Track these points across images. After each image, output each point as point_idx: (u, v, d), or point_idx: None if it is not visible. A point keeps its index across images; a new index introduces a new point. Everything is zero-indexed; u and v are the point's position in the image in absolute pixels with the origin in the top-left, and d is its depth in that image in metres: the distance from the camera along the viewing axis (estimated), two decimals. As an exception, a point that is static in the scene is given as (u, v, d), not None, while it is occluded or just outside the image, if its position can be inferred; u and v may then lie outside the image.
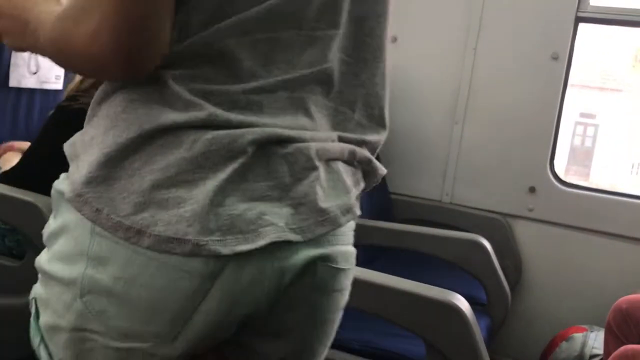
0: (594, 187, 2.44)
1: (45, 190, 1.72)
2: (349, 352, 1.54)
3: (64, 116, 1.82)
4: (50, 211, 1.71)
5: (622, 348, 1.51)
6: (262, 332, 0.76)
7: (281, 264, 0.69)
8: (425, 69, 2.49)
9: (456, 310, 1.40)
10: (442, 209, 2.54)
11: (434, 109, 2.51)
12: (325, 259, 0.73)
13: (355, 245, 1.76)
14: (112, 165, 0.67)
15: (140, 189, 0.65)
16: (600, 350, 1.97)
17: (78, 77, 1.89)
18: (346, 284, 0.80)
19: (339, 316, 0.82)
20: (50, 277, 0.73)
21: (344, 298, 0.81)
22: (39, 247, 1.66)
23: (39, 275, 0.77)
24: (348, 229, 0.78)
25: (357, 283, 1.43)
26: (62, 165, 1.71)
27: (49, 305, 0.73)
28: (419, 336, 1.44)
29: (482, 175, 2.49)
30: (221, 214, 0.65)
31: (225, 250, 0.64)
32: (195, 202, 0.64)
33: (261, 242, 0.66)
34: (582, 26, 2.37)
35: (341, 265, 0.76)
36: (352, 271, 0.81)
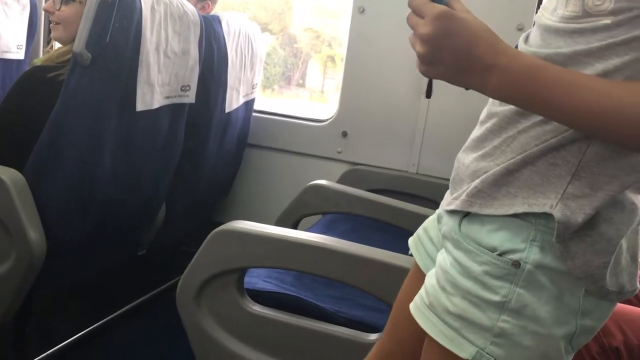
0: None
1: (9, 160, 1.71)
2: (322, 320, 1.57)
3: (30, 84, 1.80)
4: (16, 185, 1.71)
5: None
6: None
7: None
8: (393, 40, 2.50)
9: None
10: (408, 179, 2.57)
11: (401, 80, 2.53)
12: None
13: (324, 212, 1.77)
14: None
15: None
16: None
17: (58, 49, 1.87)
18: None
19: None
20: None
21: None
22: (2, 220, 1.66)
23: None
24: None
25: (326, 251, 1.48)
26: (25, 134, 1.70)
27: None
28: (384, 302, 1.48)
29: (448, 145, 2.52)
30: None
31: None
32: None
33: None
34: (547, -2, 2.40)
35: None
36: None
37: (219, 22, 2.21)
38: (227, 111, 2.32)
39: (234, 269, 1.54)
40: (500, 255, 0.80)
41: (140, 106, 1.80)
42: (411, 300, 0.92)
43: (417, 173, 2.58)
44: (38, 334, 2.03)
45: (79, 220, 1.80)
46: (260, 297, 1.61)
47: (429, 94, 0.85)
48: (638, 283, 0.84)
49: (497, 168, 0.82)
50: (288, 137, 2.69)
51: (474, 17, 0.76)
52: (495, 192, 0.82)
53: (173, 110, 1.98)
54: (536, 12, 2.38)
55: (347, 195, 2.22)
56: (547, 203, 0.78)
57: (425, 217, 2.16)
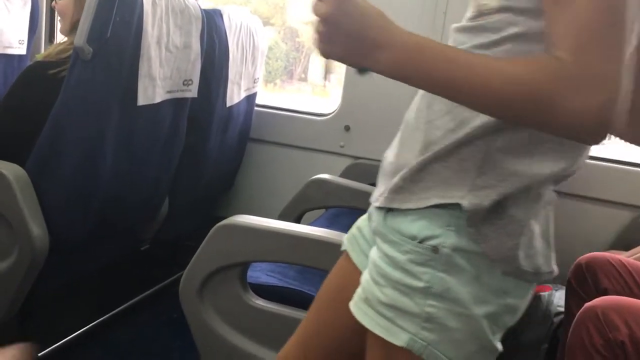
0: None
1: (11, 155, 1.71)
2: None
3: (31, 80, 1.79)
4: (18, 181, 1.71)
5: (585, 305, 1.55)
6: None
7: None
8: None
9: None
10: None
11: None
12: None
13: (327, 206, 1.78)
14: None
15: None
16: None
17: (56, 44, 1.86)
18: None
19: None
20: None
21: None
22: (5, 216, 1.66)
23: None
24: None
25: (328, 245, 1.47)
26: (27, 130, 1.69)
27: None
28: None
29: None
30: None
31: None
32: None
33: None
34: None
35: None
36: None
37: (221, 16, 2.20)
38: (228, 105, 2.32)
39: (237, 264, 1.54)
40: (420, 242, 0.85)
41: (141, 100, 1.80)
42: (335, 293, 1.01)
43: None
44: (41, 330, 2.03)
45: (81, 216, 1.79)
46: (263, 291, 1.61)
47: (362, 71, 0.86)
48: (554, 266, 0.91)
49: (413, 164, 0.88)
50: (290, 132, 2.68)
51: (369, 3, 0.81)
52: (412, 187, 0.88)
53: (175, 104, 1.97)
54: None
55: (350, 189, 2.22)
56: (458, 195, 0.84)
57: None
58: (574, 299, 1.82)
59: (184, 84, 1.97)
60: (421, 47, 0.78)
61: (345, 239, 1.15)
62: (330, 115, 2.63)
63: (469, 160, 0.84)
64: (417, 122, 0.91)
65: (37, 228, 1.68)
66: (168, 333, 2.25)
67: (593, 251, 1.89)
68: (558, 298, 2.17)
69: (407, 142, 0.92)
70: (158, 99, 1.87)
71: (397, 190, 0.89)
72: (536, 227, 0.86)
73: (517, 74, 0.72)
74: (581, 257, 1.86)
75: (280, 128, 2.70)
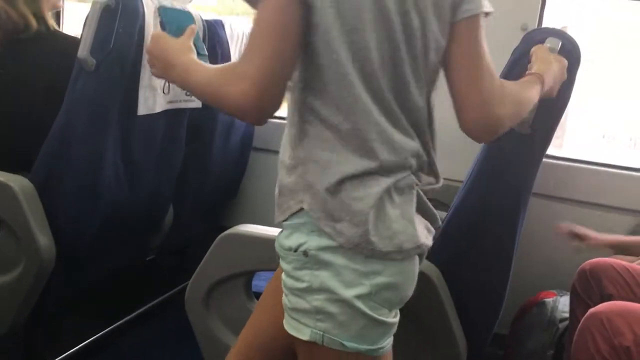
0: (562, 156, 2.49)
1: (14, 166, 1.72)
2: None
3: None
4: (24, 192, 1.71)
5: (590, 311, 1.55)
6: None
7: None
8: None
9: (426, 276, 1.43)
10: (415, 180, 2.56)
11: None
12: None
13: None
14: None
15: None
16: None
17: None
18: None
19: None
20: None
21: None
22: (11, 227, 1.67)
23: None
24: None
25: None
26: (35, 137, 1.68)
27: None
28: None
29: (451, 145, 2.50)
30: None
31: None
32: None
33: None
34: (551, -3, 2.40)
35: None
36: None
37: (222, 26, 2.22)
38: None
39: (242, 273, 1.55)
40: (295, 251, 0.99)
41: (142, 110, 1.81)
42: (272, 295, 1.14)
43: (423, 174, 2.57)
44: (48, 340, 2.04)
45: (86, 224, 1.80)
46: (268, 300, 1.61)
47: None
48: (422, 240, 1.02)
49: (278, 180, 1.05)
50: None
51: (174, 39, 1.18)
52: (280, 202, 1.04)
53: (170, 113, 1.98)
54: (540, 13, 2.38)
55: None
56: (299, 199, 0.99)
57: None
58: (579, 305, 1.82)
59: (186, 94, 1.98)
60: (186, 66, 1.08)
61: None
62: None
63: (295, 167, 1.01)
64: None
65: (43, 238, 1.69)
66: (174, 342, 2.26)
67: (597, 257, 1.89)
68: (563, 304, 2.17)
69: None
70: (158, 109, 1.88)
71: (276, 207, 1.05)
72: (392, 212, 0.98)
73: (212, 77, 0.99)
74: (585, 262, 1.86)
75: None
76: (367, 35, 0.95)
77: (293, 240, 1.00)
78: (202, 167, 2.29)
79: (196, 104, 2.05)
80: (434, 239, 1.45)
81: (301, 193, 0.99)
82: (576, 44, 1.36)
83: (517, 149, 1.41)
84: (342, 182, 0.96)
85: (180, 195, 2.22)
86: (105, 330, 2.18)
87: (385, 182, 0.98)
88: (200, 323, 1.61)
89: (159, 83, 1.84)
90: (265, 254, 1.53)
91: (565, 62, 1.23)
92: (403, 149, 1.00)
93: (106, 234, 1.88)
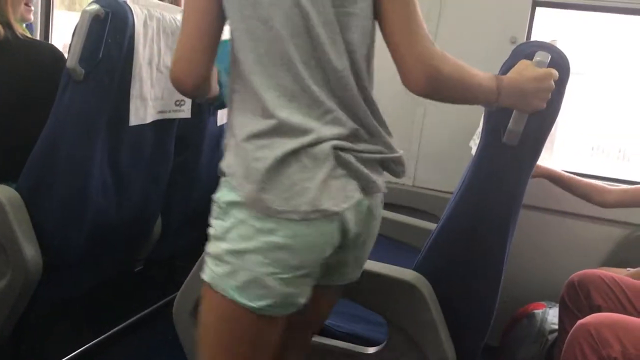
0: (551, 168, 2.50)
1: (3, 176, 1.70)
2: (320, 334, 1.57)
3: None
4: (11, 203, 1.69)
5: (578, 323, 1.55)
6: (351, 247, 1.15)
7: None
8: (387, 54, 2.50)
9: (415, 288, 1.43)
10: (404, 191, 2.57)
11: (396, 93, 2.52)
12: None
13: None
14: None
15: None
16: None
17: None
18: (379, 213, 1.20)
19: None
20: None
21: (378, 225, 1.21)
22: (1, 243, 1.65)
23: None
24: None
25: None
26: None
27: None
28: (381, 315, 1.47)
29: (444, 158, 2.53)
30: None
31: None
32: None
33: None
34: (540, 10, 2.42)
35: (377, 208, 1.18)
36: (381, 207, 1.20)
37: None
38: (219, 124, 2.32)
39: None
40: (216, 202, 1.11)
41: (133, 120, 1.80)
42: None
43: (413, 186, 2.58)
44: (35, 353, 2.02)
45: (74, 235, 1.79)
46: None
47: None
48: (326, 206, 1.05)
49: None
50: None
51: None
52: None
53: (160, 124, 1.97)
54: (529, 26, 2.40)
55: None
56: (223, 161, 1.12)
57: (423, 229, 2.18)
58: (567, 317, 1.83)
59: (176, 104, 1.98)
60: None
61: None
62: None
63: (227, 129, 1.15)
64: None
65: (30, 249, 1.67)
66: (163, 354, 2.24)
67: (585, 268, 1.90)
68: (552, 316, 2.17)
69: None
70: (149, 119, 1.87)
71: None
72: (295, 174, 1.04)
73: None
74: (574, 274, 1.87)
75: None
76: (268, 5, 1.04)
77: (218, 193, 1.11)
78: (191, 177, 2.28)
79: (185, 114, 2.05)
80: (425, 249, 1.47)
81: (226, 153, 1.12)
82: (565, 57, 1.37)
83: (507, 160, 1.42)
84: (246, 141, 1.06)
85: (168, 206, 2.21)
86: (94, 341, 2.16)
87: (290, 144, 1.04)
88: (189, 335, 1.60)
89: (150, 93, 1.84)
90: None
91: (556, 73, 1.24)
92: (310, 113, 1.06)
93: (94, 244, 1.87)
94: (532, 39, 2.44)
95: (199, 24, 1.09)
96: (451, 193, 2.52)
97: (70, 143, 1.69)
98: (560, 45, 1.40)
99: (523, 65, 1.24)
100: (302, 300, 1.09)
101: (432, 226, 2.07)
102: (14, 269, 1.68)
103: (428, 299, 1.43)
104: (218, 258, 1.07)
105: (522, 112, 1.30)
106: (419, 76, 1.11)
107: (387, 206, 2.42)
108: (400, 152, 1.19)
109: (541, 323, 2.16)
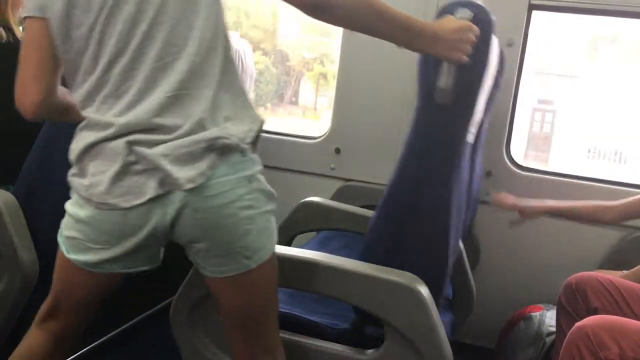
0: (549, 170, 2.50)
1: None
2: (316, 337, 1.56)
3: None
4: (7, 207, 1.68)
5: (576, 325, 1.55)
6: (184, 242, 1.24)
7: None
8: (378, 56, 2.51)
9: (414, 291, 1.43)
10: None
11: (392, 95, 2.53)
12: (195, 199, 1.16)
13: (318, 229, 1.81)
14: None
15: None
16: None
17: None
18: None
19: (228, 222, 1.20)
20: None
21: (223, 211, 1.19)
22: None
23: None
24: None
25: (320, 268, 1.47)
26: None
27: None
28: (379, 318, 1.47)
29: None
30: None
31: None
32: None
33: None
34: (536, 13, 2.42)
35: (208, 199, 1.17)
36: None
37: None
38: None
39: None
40: None
41: None
42: None
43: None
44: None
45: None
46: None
47: None
48: (111, 199, 1.16)
49: None
50: (281, 155, 2.69)
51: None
52: None
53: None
54: (525, 29, 2.40)
55: (341, 211, 2.22)
56: None
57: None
58: (565, 319, 1.83)
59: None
60: None
61: None
62: (321, 138, 2.64)
63: None
64: None
65: (26, 253, 1.67)
66: (159, 358, 2.23)
67: (583, 271, 1.90)
68: (549, 318, 2.17)
69: None
70: None
71: None
72: (91, 167, 1.18)
73: None
74: (571, 277, 1.87)
75: (271, 151, 2.71)
76: (79, 15, 1.15)
77: None
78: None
79: None
80: (374, 217, 1.51)
81: None
82: (487, 12, 1.44)
83: (442, 119, 1.47)
84: (76, 131, 1.23)
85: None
86: (91, 346, 2.15)
87: (87, 137, 1.18)
88: (185, 339, 1.59)
89: None
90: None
91: (476, 28, 1.32)
92: (112, 107, 1.16)
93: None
94: (529, 42, 2.45)
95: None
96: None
97: (65, 146, 1.68)
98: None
99: (446, 19, 1.32)
100: (108, 266, 1.25)
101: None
102: (10, 273, 1.67)
103: (426, 301, 1.43)
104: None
105: (448, 66, 1.36)
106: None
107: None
108: (229, 137, 1.17)
109: (538, 326, 2.16)
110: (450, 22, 1.31)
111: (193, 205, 1.16)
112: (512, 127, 2.47)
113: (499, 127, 2.43)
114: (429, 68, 1.43)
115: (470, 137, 1.55)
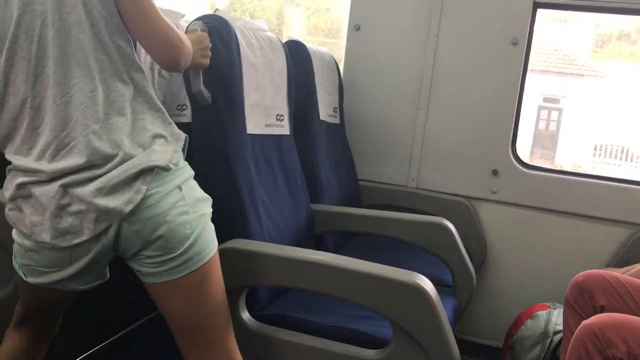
0: (554, 168, 2.50)
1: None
2: (320, 336, 1.56)
3: None
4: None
5: (583, 323, 1.55)
6: (128, 256, 1.28)
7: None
8: (389, 56, 2.52)
9: (421, 291, 1.43)
10: (408, 193, 2.58)
11: (399, 96, 2.54)
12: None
13: (326, 231, 1.83)
14: None
15: None
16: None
17: None
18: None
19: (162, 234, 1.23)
20: None
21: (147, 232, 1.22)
22: (2, 243, 1.65)
23: None
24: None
25: (326, 268, 1.47)
26: None
27: None
28: (385, 318, 1.47)
29: (446, 159, 2.53)
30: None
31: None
32: None
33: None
34: (540, 12, 2.42)
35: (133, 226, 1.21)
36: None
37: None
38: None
39: (235, 288, 1.54)
40: None
41: None
42: None
43: (417, 187, 2.59)
44: None
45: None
46: (262, 316, 1.61)
47: None
48: (44, 237, 1.19)
49: None
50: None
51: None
52: None
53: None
54: (530, 27, 2.40)
55: (346, 212, 2.22)
56: None
57: (426, 229, 2.17)
58: (572, 317, 1.83)
59: (177, 109, 1.98)
60: None
61: None
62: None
63: None
64: None
65: (34, 255, 1.68)
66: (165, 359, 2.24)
67: (590, 269, 1.89)
68: (556, 317, 2.17)
69: None
70: None
71: None
72: (25, 208, 1.21)
73: None
74: (578, 274, 1.86)
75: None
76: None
77: None
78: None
79: (187, 118, 2.06)
80: None
81: None
82: (222, 20, 1.67)
83: (210, 119, 1.69)
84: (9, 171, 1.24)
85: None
86: (92, 350, 2.16)
87: (15, 180, 1.21)
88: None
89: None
90: (259, 269, 1.52)
91: (206, 35, 1.53)
92: (40, 153, 1.19)
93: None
94: (533, 40, 2.45)
95: None
96: (454, 194, 2.54)
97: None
98: (223, 14, 1.70)
99: (189, 35, 1.48)
100: (66, 283, 1.29)
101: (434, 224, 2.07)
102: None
103: (432, 301, 1.43)
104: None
105: (193, 72, 1.59)
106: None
107: (391, 208, 2.44)
108: (157, 160, 1.21)
109: (545, 324, 2.16)
110: (190, 36, 1.45)
111: (130, 219, 1.19)
112: (517, 125, 2.46)
113: (505, 125, 2.43)
114: (185, 78, 1.66)
115: (329, 119, 1.99)
